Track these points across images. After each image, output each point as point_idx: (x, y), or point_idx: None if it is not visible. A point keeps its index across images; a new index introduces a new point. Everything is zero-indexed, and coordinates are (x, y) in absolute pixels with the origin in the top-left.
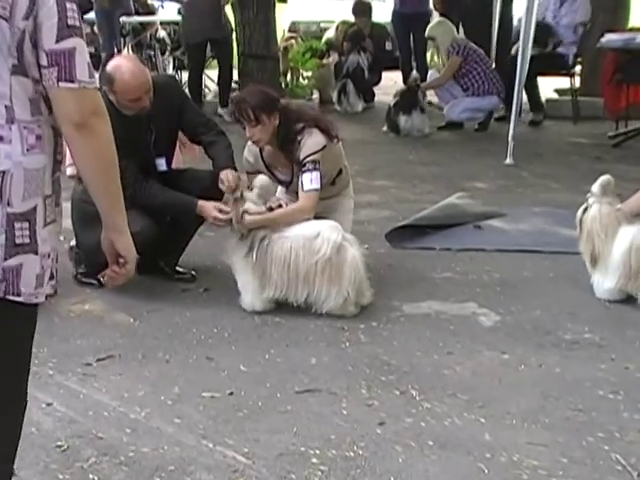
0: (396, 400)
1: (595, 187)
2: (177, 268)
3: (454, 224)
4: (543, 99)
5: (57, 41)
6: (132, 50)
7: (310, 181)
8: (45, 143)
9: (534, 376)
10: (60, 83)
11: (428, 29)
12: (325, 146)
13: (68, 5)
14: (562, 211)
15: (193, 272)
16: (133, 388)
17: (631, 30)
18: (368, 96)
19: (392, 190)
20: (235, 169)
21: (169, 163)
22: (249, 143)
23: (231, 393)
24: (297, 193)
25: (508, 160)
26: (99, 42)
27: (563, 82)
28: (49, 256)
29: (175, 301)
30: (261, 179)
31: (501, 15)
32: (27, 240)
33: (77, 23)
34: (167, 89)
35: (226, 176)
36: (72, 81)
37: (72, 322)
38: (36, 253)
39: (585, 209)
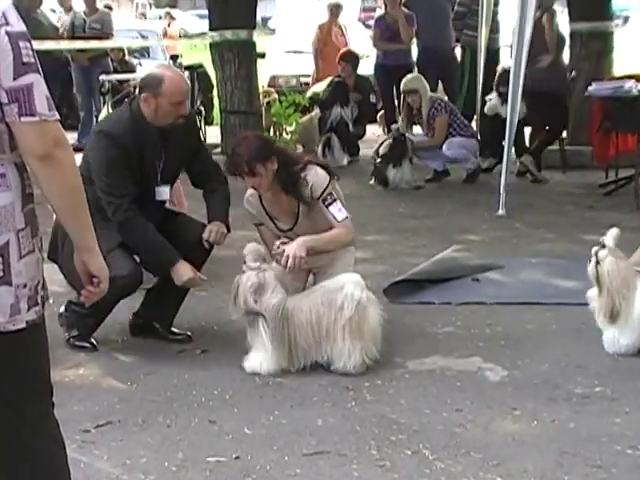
0: (408, 460)
1: (608, 239)
2: (172, 329)
3: (452, 277)
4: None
5: (15, 78)
6: (112, 108)
7: (339, 210)
8: (10, 180)
9: (548, 432)
10: (22, 118)
11: (408, 82)
12: (331, 180)
13: (22, 44)
14: (559, 261)
15: (189, 333)
16: (135, 455)
17: (617, 78)
18: (353, 150)
19: (385, 245)
20: (227, 223)
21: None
22: (248, 194)
23: (237, 457)
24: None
25: (500, 211)
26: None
27: None
28: (25, 286)
29: (172, 363)
30: (249, 247)
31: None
32: (0, 274)
33: (32, 60)
34: (189, 122)
35: (209, 232)
36: (33, 115)
37: (67, 387)
38: (10, 284)
39: (597, 263)
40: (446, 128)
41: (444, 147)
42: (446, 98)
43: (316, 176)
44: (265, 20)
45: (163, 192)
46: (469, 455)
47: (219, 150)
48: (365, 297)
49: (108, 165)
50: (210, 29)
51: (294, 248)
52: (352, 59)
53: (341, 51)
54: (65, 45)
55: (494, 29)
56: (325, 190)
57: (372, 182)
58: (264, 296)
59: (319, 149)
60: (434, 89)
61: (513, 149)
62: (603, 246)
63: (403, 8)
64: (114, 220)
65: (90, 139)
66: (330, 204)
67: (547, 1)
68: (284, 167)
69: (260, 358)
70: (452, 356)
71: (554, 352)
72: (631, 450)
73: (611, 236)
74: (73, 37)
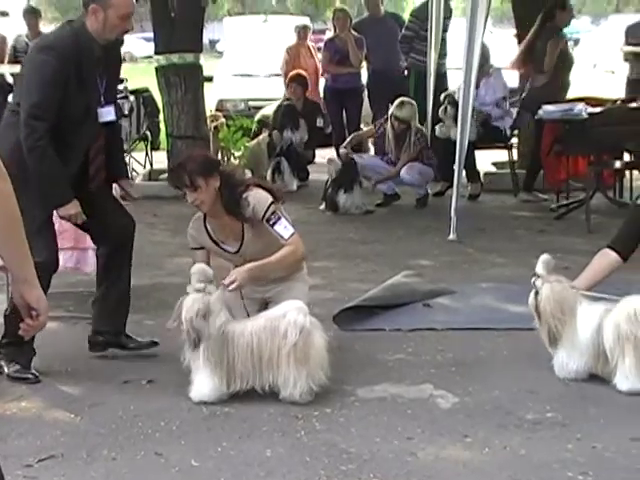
0: None
1: (538, 268)
2: (133, 337)
3: (403, 303)
4: (481, 172)
5: None
6: None
7: (285, 228)
8: None
9: (499, 459)
10: None
11: (401, 111)
12: (274, 201)
13: None
14: (511, 286)
15: (155, 339)
16: None
17: (567, 101)
18: (303, 174)
19: (334, 271)
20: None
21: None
22: (194, 218)
23: None
24: (244, 262)
25: (451, 236)
26: None
27: (501, 155)
28: None
29: (117, 394)
30: (196, 267)
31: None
32: None
33: None
34: (118, 45)
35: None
36: None
37: (9, 421)
38: None
39: (536, 293)
40: (415, 156)
41: (403, 170)
42: None
43: (258, 196)
44: (213, 43)
45: (108, 113)
46: None
47: (166, 176)
48: (309, 322)
49: (42, 81)
50: (156, 52)
51: (238, 272)
52: (302, 81)
53: (290, 74)
54: (5, 69)
55: (442, 54)
56: (268, 210)
57: (322, 207)
58: (209, 319)
59: (268, 174)
60: (384, 112)
61: (464, 173)
62: (538, 276)
63: (352, 31)
64: (26, 144)
65: (32, 54)
66: (275, 223)
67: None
68: (227, 186)
69: (204, 386)
70: (403, 383)
71: (506, 378)
72: (582, 476)
73: (542, 263)
74: (15, 61)
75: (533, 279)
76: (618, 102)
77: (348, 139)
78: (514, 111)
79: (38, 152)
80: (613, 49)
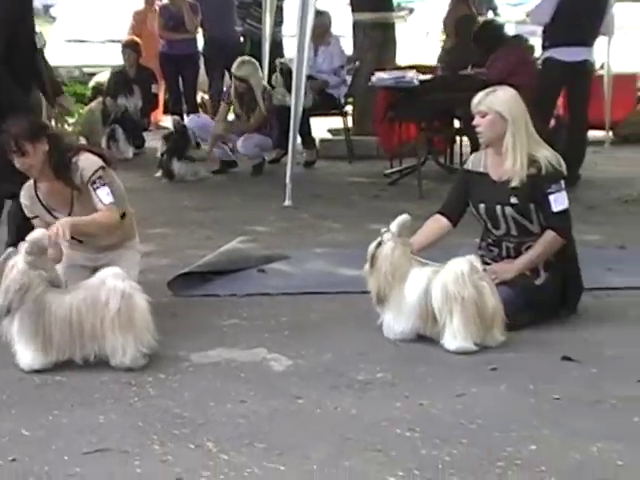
0: (191, 454)
1: (393, 225)
2: None
3: (237, 269)
4: (316, 139)
5: None
6: None
7: (107, 194)
8: None
9: (331, 419)
10: None
11: (239, 70)
12: (104, 167)
13: None
14: (344, 251)
15: None
16: None
17: (400, 68)
18: (138, 141)
19: (170, 238)
20: None
21: None
22: (25, 186)
23: (14, 460)
24: None
25: (287, 202)
26: None
27: (336, 122)
28: None
29: None
30: (30, 236)
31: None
32: None
33: None
34: None
35: None
36: None
37: None
38: None
39: (379, 244)
40: (264, 118)
41: (239, 141)
42: None
43: (87, 161)
44: (46, 7)
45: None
46: (253, 446)
47: None
48: (129, 287)
49: None
50: None
51: (60, 223)
52: (135, 48)
53: (124, 40)
54: None
55: (278, 21)
56: (95, 173)
57: (158, 175)
58: (28, 293)
59: (103, 141)
60: (221, 78)
61: (299, 140)
62: (389, 231)
63: None
64: None
65: None
66: (98, 187)
67: None
68: (55, 151)
69: (24, 356)
70: (237, 348)
71: (338, 341)
72: (410, 433)
73: (397, 223)
74: None
75: (383, 230)
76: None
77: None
78: (349, 79)
79: None
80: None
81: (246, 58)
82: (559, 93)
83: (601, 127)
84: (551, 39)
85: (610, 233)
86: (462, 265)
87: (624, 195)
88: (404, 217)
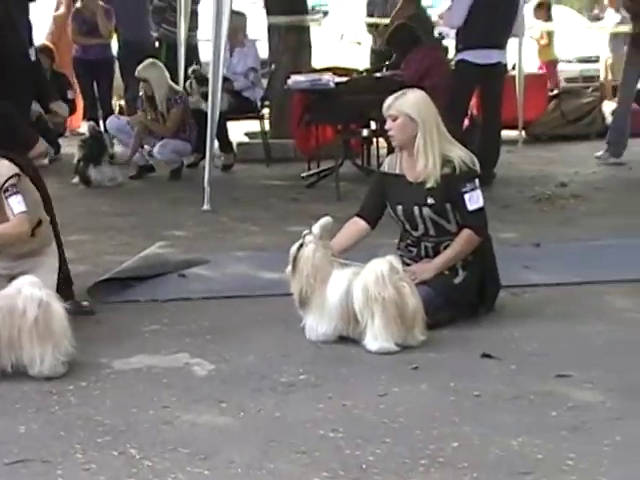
0: (115, 461)
1: (315, 227)
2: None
3: (158, 274)
4: (234, 143)
5: None
6: None
7: (18, 202)
8: None
9: (254, 422)
10: None
11: (141, 70)
12: (19, 174)
13: None
14: (264, 254)
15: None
16: None
17: (316, 71)
18: (54, 147)
19: (88, 244)
20: None
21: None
22: None
23: None
24: None
25: (205, 206)
26: None
27: (253, 126)
28: None
29: None
30: None
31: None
32: None
33: None
34: None
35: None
36: None
37: None
38: None
39: (300, 246)
40: (180, 120)
41: (156, 147)
42: None
43: (1, 168)
44: None
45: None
46: (176, 451)
47: None
48: (45, 295)
49: None
50: None
51: None
52: (49, 53)
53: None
54: None
55: (193, 26)
56: (7, 181)
57: (75, 181)
58: None
59: None
60: (137, 83)
61: (217, 143)
62: (311, 233)
63: (100, 1)
64: None
65: None
66: (10, 196)
67: None
68: None
69: None
70: (159, 354)
71: (260, 343)
72: (333, 433)
73: (318, 225)
74: None
75: (305, 232)
76: (364, 72)
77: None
78: (265, 82)
79: None
80: (358, 21)
81: (150, 60)
82: (472, 94)
83: (514, 127)
84: (464, 42)
85: (525, 231)
86: (382, 266)
87: (538, 193)
88: (326, 219)
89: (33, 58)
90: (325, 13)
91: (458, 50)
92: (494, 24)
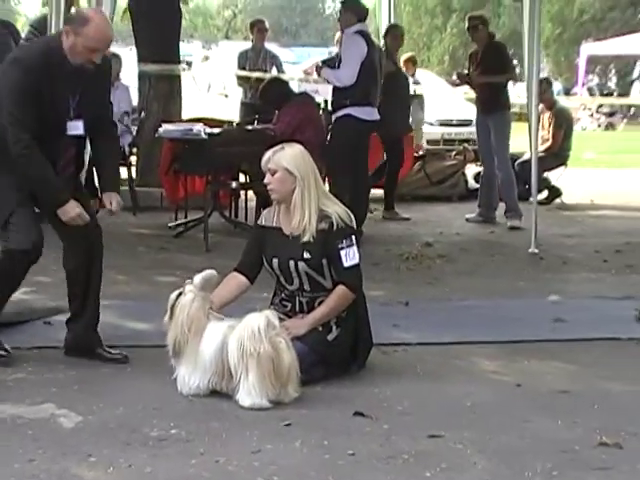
0: None
1: (197, 277)
2: (108, 349)
3: (23, 321)
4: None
5: None
6: None
7: None
8: None
9: (124, 478)
10: None
11: None
12: None
13: None
14: (130, 303)
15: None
16: None
17: (187, 121)
18: None
19: None
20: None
21: (86, 129)
22: None
23: None
24: None
25: None
26: None
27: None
28: None
29: None
30: None
31: None
32: None
33: None
34: (106, 64)
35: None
36: None
37: None
38: None
39: (179, 294)
40: None
41: None
42: None
43: None
44: None
45: (75, 126)
46: None
47: None
48: None
49: (18, 97)
50: None
51: None
52: None
53: None
54: None
55: None
56: None
57: None
58: None
59: None
60: None
61: None
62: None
63: None
64: (14, 151)
65: (4, 66)
66: None
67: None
68: None
69: None
70: (24, 403)
71: (130, 395)
72: None
73: (201, 276)
74: None
75: (187, 281)
76: (234, 124)
77: None
78: (134, 128)
79: (26, 159)
80: (225, 73)
81: None
82: (354, 150)
83: (381, 186)
84: (351, 98)
85: (393, 289)
86: (259, 320)
87: (404, 252)
88: (210, 272)
89: (79, 132)
90: (189, 64)
91: (343, 106)
92: (375, 84)
